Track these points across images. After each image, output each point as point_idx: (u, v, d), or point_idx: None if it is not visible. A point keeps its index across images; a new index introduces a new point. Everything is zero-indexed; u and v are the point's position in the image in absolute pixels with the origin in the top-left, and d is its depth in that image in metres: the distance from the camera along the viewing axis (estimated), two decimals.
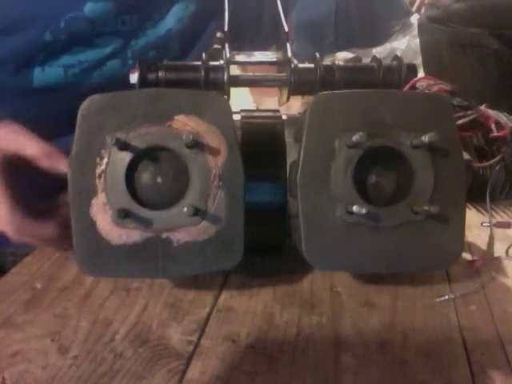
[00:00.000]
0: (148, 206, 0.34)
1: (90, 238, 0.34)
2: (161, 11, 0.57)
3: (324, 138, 0.35)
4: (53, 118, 0.52)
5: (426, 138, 0.33)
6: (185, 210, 0.33)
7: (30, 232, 0.40)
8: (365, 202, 0.34)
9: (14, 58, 0.51)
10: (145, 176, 0.35)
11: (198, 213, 0.34)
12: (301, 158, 0.35)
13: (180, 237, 0.34)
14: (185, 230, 0.34)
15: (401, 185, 0.35)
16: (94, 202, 0.34)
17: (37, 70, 0.51)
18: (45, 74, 0.52)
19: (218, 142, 0.35)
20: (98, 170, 0.34)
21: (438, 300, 0.39)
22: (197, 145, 0.34)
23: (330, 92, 0.36)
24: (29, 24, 0.49)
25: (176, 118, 0.34)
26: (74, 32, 0.51)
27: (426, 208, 0.34)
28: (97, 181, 0.34)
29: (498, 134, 0.41)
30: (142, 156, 0.34)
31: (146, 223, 0.34)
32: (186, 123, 0.34)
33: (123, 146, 0.33)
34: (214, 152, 0.34)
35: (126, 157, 0.34)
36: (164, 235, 0.34)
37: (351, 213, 0.34)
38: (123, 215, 0.33)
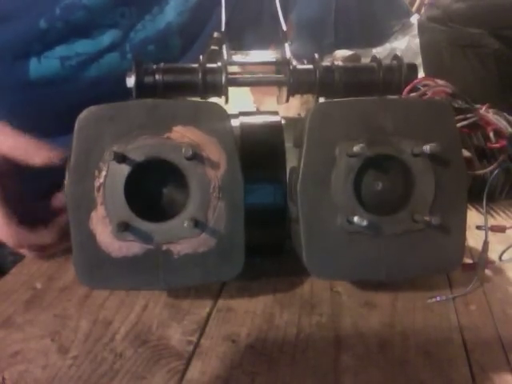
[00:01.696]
0: (148, 218, 0.34)
1: (89, 251, 0.34)
2: (160, 4, 0.57)
3: (324, 147, 0.35)
4: (50, 114, 0.52)
5: (427, 148, 0.33)
6: (185, 224, 0.33)
7: (26, 241, 0.40)
8: (365, 210, 0.34)
9: (9, 46, 0.50)
10: (144, 188, 0.34)
11: (198, 224, 0.33)
12: (301, 167, 0.34)
13: (180, 249, 0.34)
14: (185, 241, 0.34)
15: (401, 193, 0.35)
16: (94, 214, 0.34)
17: (33, 62, 0.51)
18: (41, 66, 0.51)
19: (217, 153, 0.34)
20: (97, 183, 0.34)
21: (429, 301, 0.39)
22: (196, 156, 0.34)
23: (331, 100, 0.36)
24: (24, 11, 0.48)
25: (174, 128, 0.34)
26: (70, 20, 0.50)
27: (426, 218, 0.34)
28: (96, 193, 0.34)
29: (495, 145, 0.41)
30: (141, 168, 0.34)
31: (146, 236, 0.34)
32: (184, 134, 0.34)
33: (121, 158, 0.33)
34: (214, 163, 0.34)
35: (124, 169, 0.33)
36: (164, 247, 0.34)
37: (352, 223, 0.33)
38: (123, 228, 0.33)
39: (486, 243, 0.40)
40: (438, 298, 0.39)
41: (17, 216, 0.39)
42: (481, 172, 0.42)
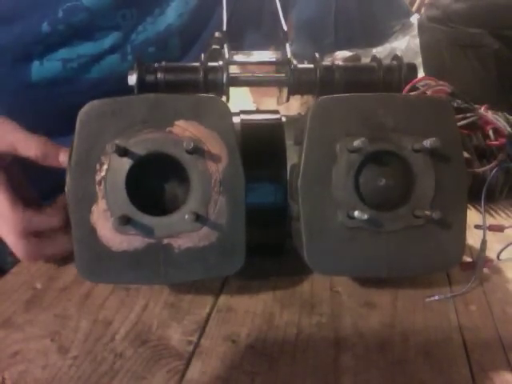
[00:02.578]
0: (149, 212, 0.34)
1: (90, 245, 0.34)
2: (161, 6, 0.57)
3: (325, 143, 0.35)
4: (51, 115, 0.52)
5: (427, 143, 0.33)
6: (186, 217, 0.33)
7: (34, 224, 0.39)
8: (366, 206, 0.34)
9: (11, 49, 0.50)
10: (145, 182, 0.34)
11: (199, 219, 0.33)
12: (302, 163, 0.34)
13: (181, 243, 0.34)
14: (186, 236, 0.34)
15: (402, 189, 0.35)
16: (95, 208, 0.34)
17: (35, 64, 0.51)
18: (43, 68, 0.51)
19: (218, 148, 0.34)
20: (98, 177, 0.34)
21: (427, 300, 0.39)
22: (197, 151, 0.34)
23: (331, 96, 0.36)
24: (26, 13, 0.49)
25: (176, 123, 0.34)
26: (72, 23, 0.50)
27: (427, 213, 0.34)
28: (97, 187, 0.34)
29: (495, 142, 0.41)
30: (143, 162, 0.34)
31: (147, 230, 0.34)
32: (186, 129, 0.34)
33: (123, 152, 0.33)
34: (215, 158, 0.34)
35: (126, 163, 0.33)
36: (165, 241, 0.34)
37: (352, 217, 0.33)
38: (124, 222, 0.33)
39: (484, 242, 0.40)
40: (437, 297, 0.39)
41: (22, 201, 0.39)
42: (480, 170, 0.42)
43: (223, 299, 0.39)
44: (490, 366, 0.32)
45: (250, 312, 0.38)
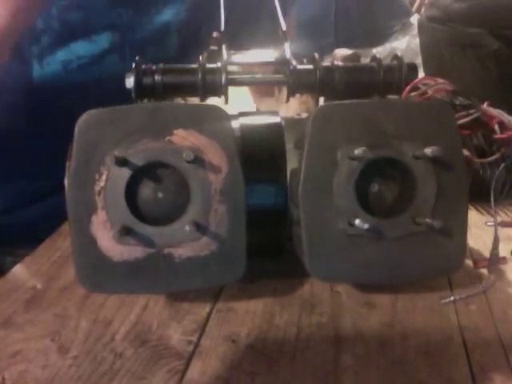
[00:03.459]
0: (149, 222, 0.34)
1: (90, 256, 0.34)
2: (157, 5, 0.57)
3: (326, 149, 0.34)
4: (53, 117, 0.52)
5: (429, 151, 0.33)
6: (187, 227, 0.33)
7: None
8: (367, 213, 0.34)
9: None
10: (145, 192, 0.34)
11: (199, 228, 0.33)
12: (302, 170, 0.34)
13: (182, 252, 0.34)
14: (187, 245, 0.34)
15: (403, 196, 0.35)
16: (94, 218, 0.33)
17: (35, 67, 0.51)
18: (43, 71, 0.52)
19: (218, 157, 0.34)
20: (98, 187, 0.33)
21: (442, 302, 0.38)
22: (197, 160, 0.33)
23: (332, 103, 0.36)
24: None
25: (175, 132, 0.34)
26: (67, 21, 0.51)
27: (428, 221, 0.34)
28: (96, 198, 0.33)
29: (502, 135, 0.41)
30: (142, 172, 0.34)
31: (147, 240, 0.34)
32: (185, 138, 0.34)
33: (122, 162, 0.33)
34: (215, 166, 0.34)
35: (125, 173, 0.33)
36: (166, 251, 0.34)
37: (353, 225, 0.33)
38: (124, 232, 0.33)
39: (496, 238, 0.40)
40: (452, 298, 0.39)
41: None
42: (481, 161, 0.42)
43: (223, 299, 0.39)
44: (490, 366, 0.32)
45: (250, 312, 0.38)
